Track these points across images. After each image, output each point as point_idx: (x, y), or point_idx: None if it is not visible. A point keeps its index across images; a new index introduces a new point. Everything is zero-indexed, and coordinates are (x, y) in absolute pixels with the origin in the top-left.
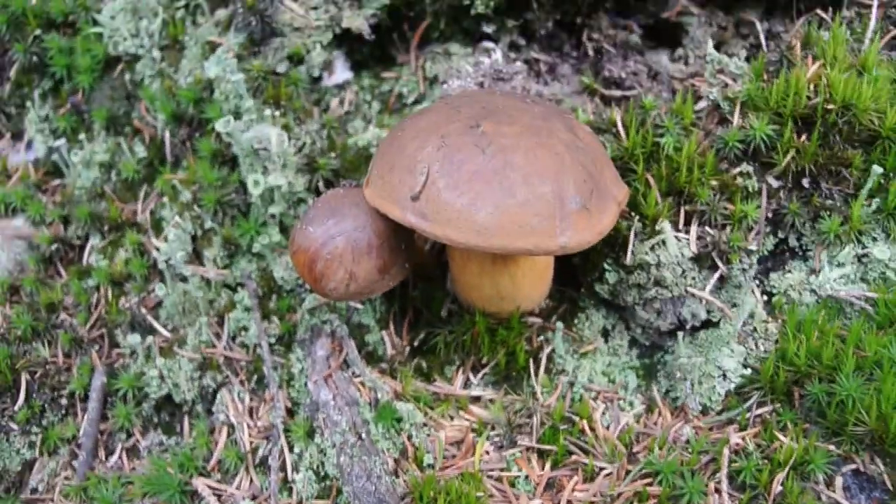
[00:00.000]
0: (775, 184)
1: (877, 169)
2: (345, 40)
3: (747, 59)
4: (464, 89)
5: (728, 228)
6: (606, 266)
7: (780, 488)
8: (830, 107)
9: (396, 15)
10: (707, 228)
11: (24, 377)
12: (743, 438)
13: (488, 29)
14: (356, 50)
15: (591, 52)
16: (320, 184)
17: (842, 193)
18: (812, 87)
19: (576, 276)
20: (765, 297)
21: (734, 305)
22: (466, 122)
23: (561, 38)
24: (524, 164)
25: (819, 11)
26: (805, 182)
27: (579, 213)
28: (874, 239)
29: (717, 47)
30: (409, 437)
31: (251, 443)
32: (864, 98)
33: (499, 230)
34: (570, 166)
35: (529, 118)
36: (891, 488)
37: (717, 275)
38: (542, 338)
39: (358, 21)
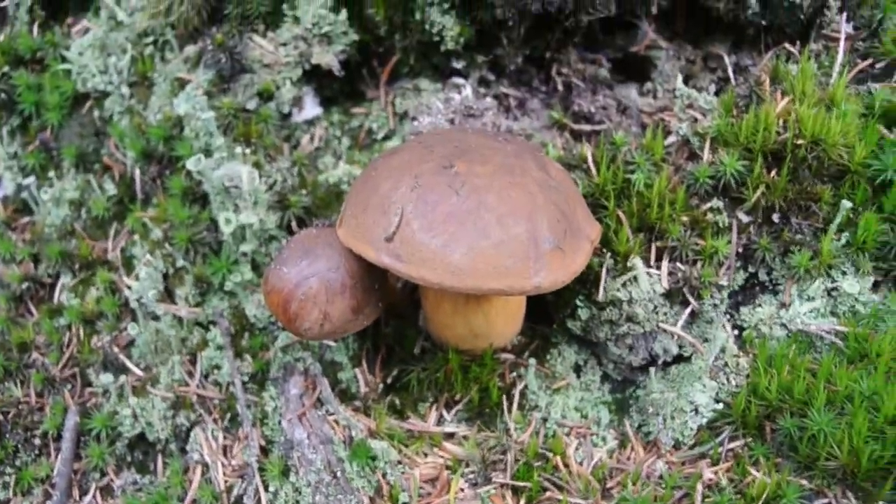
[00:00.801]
0: (745, 219)
1: (846, 203)
2: (314, 76)
3: (716, 93)
4: (436, 127)
5: (699, 264)
6: (578, 303)
7: None
8: (800, 142)
9: (365, 51)
10: (678, 264)
11: None
12: (716, 473)
13: (458, 65)
14: (326, 86)
15: (560, 87)
16: (292, 222)
17: (811, 228)
18: (781, 122)
19: (548, 313)
20: (736, 332)
21: (705, 340)
22: (440, 161)
23: (530, 72)
24: (498, 205)
25: (787, 45)
26: (775, 217)
27: (553, 254)
28: (844, 273)
29: (686, 81)
30: (384, 475)
31: (226, 482)
32: (833, 133)
33: (473, 271)
34: (543, 206)
35: (502, 157)
36: None
37: (688, 310)
38: (514, 374)
39: (327, 57)
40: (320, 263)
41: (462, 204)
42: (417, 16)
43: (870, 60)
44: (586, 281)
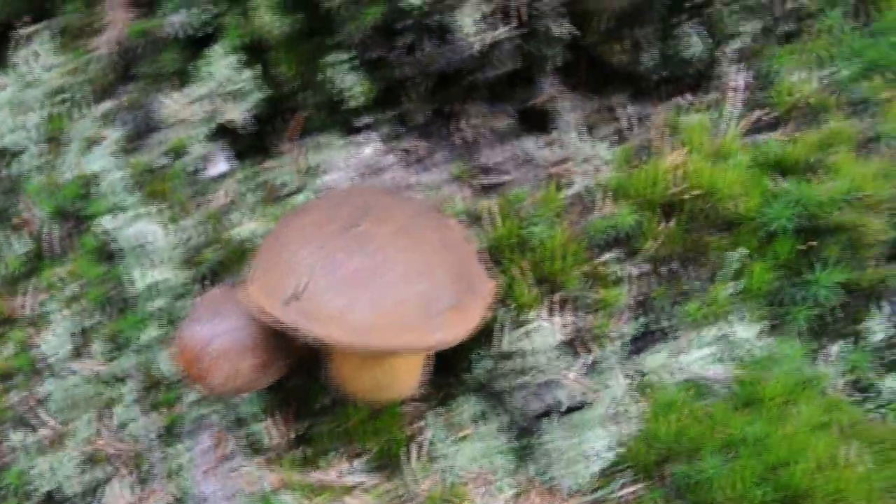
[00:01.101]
0: (641, 269)
1: (736, 253)
2: (224, 132)
3: (618, 141)
4: (344, 181)
5: (596, 314)
6: (480, 354)
7: None
8: (693, 193)
9: (274, 107)
10: (576, 315)
11: None
12: None
13: (365, 120)
14: (235, 141)
15: (465, 140)
16: (205, 278)
17: (705, 277)
18: (676, 173)
19: (451, 364)
20: (633, 379)
21: (604, 388)
22: (346, 221)
23: (436, 125)
24: (400, 263)
25: (686, 94)
26: (670, 267)
27: (452, 310)
28: (736, 320)
29: (589, 131)
30: None
31: None
32: (724, 184)
33: (377, 329)
34: (442, 264)
35: (405, 216)
36: None
37: (586, 359)
38: (419, 424)
39: (237, 114)
40: (230, 322)
41: (367, 262)
42: (325, 73)
43: (765, 110)
44: (488, 333)
